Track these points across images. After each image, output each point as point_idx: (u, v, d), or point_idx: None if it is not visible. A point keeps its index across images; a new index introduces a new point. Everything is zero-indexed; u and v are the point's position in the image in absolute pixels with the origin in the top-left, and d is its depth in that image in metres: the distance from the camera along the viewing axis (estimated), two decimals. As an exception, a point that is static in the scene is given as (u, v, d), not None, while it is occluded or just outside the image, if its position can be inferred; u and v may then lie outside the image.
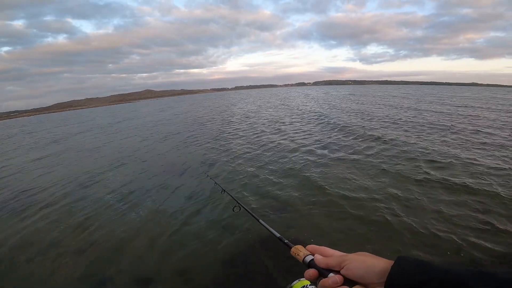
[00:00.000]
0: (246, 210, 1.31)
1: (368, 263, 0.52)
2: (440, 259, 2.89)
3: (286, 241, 0.76)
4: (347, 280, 0.52)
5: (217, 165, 6.99)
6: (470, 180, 4.58)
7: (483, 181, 4.54)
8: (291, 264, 2.67)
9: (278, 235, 0.83)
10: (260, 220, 1.09)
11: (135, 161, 8.36)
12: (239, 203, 1.46)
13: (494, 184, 4.41)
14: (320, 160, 6.33)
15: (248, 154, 7.50)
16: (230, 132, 11.50)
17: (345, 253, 0.57)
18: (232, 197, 1.61)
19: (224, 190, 1.88)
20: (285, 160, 6.65)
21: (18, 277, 3.55)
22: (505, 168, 5.09)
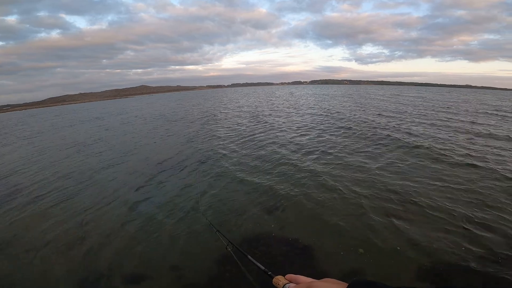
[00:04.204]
0: (237, 248, 1.48)
1: None
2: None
3: (269, 273, 0.91)
4: None
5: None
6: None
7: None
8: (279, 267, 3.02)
9: (263, 268, 1.01)
10: (249, 256, 1.25)
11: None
12: (231, 243, 1.59)
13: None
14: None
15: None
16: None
17: (313, 280, 0.67)
18: (226, 238, 1.70)
19: (218, 231, 1.97)
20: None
21: (5, 273, 3.56)
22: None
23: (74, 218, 5.00)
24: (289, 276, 0.76)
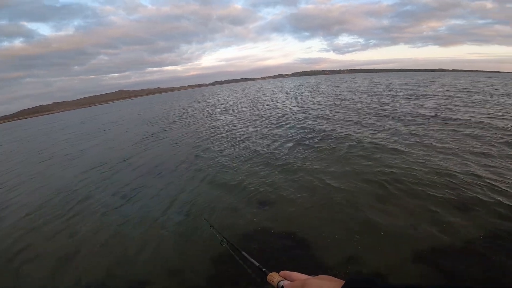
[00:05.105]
0: (232, 244, 1.45)
1: (324, 287, 0.57)
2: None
3: (264, 269, 0.89)
4: None
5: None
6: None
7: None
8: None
9: (257, 264, 0.98)
10: (243, 252, 1.21)
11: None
12: (225, 239, 1.56)
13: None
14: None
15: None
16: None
17: (308, 277, 0.65)
18: (221, 234, 1.67)
19: (212, 226, 1.95)
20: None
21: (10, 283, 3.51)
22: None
23: (64, 228, 4.81)
24: (283, 272, 0.75)
